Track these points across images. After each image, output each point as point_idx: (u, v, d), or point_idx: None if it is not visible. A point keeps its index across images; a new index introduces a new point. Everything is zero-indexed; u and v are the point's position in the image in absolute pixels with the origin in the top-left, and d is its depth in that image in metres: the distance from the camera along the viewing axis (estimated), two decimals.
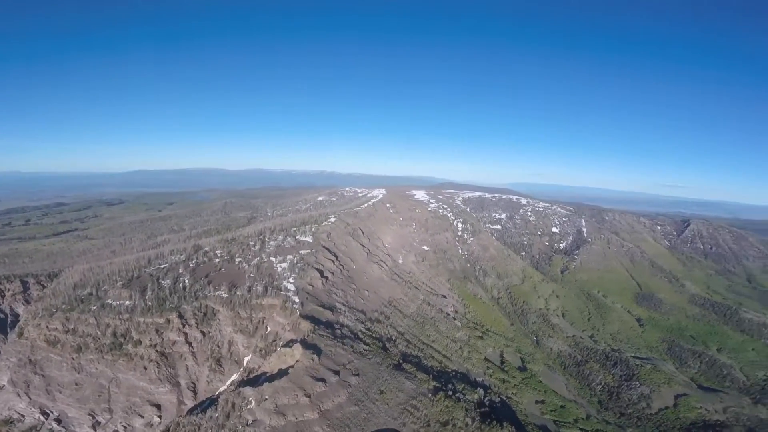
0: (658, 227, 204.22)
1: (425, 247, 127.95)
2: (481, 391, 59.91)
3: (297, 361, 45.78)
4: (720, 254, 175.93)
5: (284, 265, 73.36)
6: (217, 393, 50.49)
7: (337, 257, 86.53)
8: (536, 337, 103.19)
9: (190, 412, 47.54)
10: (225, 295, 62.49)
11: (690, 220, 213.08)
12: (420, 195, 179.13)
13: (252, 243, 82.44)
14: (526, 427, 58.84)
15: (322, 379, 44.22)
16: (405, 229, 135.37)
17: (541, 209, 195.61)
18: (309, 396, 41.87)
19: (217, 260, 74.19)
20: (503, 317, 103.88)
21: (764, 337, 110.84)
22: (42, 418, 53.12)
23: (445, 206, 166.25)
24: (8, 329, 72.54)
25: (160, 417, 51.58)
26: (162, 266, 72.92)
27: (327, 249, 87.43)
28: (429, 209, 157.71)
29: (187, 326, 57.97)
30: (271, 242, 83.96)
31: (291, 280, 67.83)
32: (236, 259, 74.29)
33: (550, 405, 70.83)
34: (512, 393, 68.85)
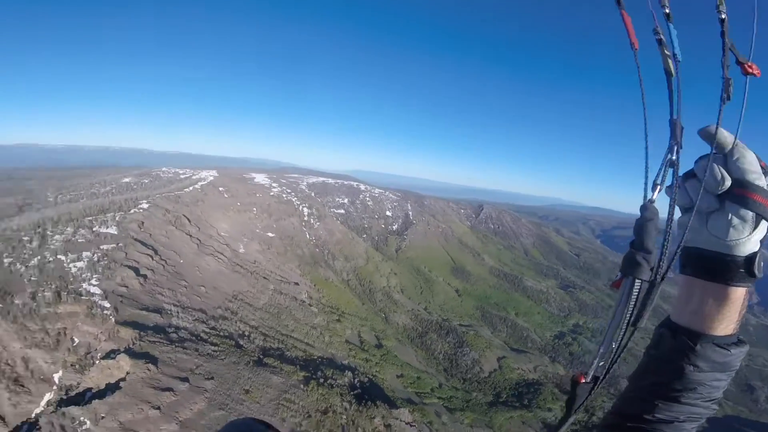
0: (462, 211, 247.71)
1: (270, 234, 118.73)
2: (349, 374, 59.35)
3: (127, 373, 34.87)
4: (504, 232, 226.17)
5: (80, 264, 54.29)
6: (34, 416, 34.74)
7: (156, 251, 70.16)
8: (384, 314, 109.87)
9: None
10: None
11: (483, 204, 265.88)
12: (261, 178, 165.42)
13: (27, 238, 58.31)
14: (396, 402, 61.17)
15: (169, 389, 35.20)
16: (244, 215, 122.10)
17: (377, 195, 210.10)
18: (158, 408, 32.61)
19: None
20: (355, 298, 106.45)
21: (543, 302, 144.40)
22: None
23: (289, 191, 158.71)
24: None
25: None
26: None
27: (140, 242, 69.92)
28: (272, 194, 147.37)
29: None
30: (57, 236, 61.15)
31: (93, 281, 50.69)
32: (4, 260, 51.05)
33: (408, 378, 76.08)
34: (376, 371, 70.81)
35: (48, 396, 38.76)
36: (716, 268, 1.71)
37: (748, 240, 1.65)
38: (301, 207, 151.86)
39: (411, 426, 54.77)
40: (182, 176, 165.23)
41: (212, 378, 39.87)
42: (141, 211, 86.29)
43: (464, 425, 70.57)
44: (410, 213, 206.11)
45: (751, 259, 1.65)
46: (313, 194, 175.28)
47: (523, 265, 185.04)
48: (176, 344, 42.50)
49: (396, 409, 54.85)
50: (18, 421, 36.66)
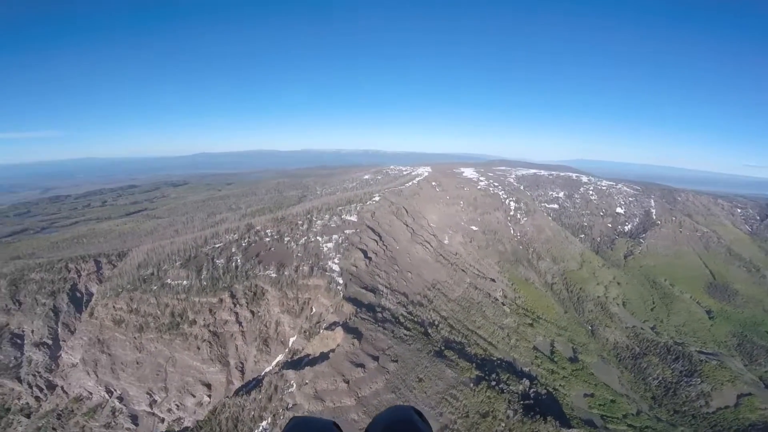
0: (739, 210, 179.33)
1: (474, 227, 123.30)
2: (526, 382, 57.11)
3: (338, 345, 46.04)
4: None
5: (330, 245, 74.18)
6: (263, 373, 52.59)
7: (380, 237, 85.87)
8: (591, 326, 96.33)
9: (237, 392, 50.14)
10: (273, 275, 64.54)
11: None
12: (468, 172, 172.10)
13: (300, 222, 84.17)
14: (571, 422, 55.38)
15: (362, 365, 44.15)
16: (452, 207, 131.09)
17: (604, 188, 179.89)
18: (347, 382, 42.07)
19: (268, 239, 76.87)
20: (556, 304, 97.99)
21: None
22: (107, 396, 58.76)
23: (496, 184, 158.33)
24: (83, 308, 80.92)
25: (209, 396, 55.15)
26: (217, 245, 77.00)
27: (371, 228, 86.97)
28: (478, 187, 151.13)
29: (238, 306, 60.81)
30: (318, 221, 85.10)
31: (336, 260, 68.42)
32: (285, 239, 76.42)
33: (599, 399, 66.28)
34: (560, 385, 65.13)
35: (279, 357, 54.31)
36: None
37: None
38: (507, 201, 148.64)
39: None
40: (404, 173, 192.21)
41: (396, 361, 46.59)
42: (374, 202, 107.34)
43: None
44: (653, 210, 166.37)
45: None
46: (522, 187, 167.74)
47: None
48: (379, 323, 51.99)
49: (567, 429, 49.00)
50: (251, 376, 53.55)
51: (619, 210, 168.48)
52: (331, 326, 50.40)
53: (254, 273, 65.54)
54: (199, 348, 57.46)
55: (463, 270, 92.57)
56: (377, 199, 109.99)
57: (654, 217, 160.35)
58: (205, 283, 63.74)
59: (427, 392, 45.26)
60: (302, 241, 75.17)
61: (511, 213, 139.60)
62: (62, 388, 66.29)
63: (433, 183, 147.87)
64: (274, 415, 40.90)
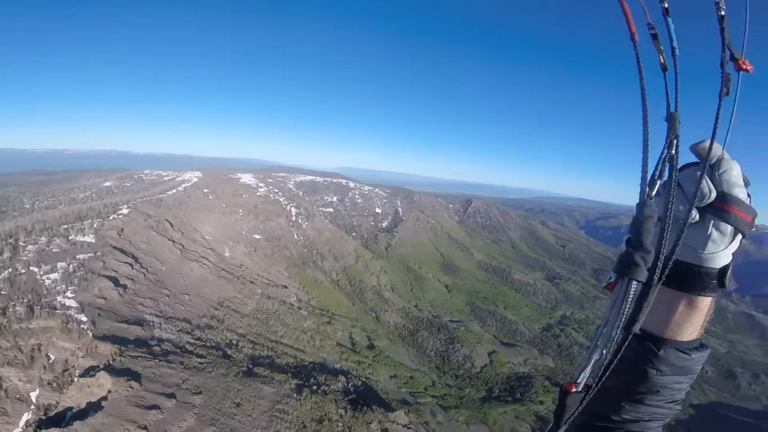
0: (450, 206, 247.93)
1: (257, 236, 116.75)
2: (343, 378, 58.34)
3: (109, 392, 32.89)
4: (492, 226, 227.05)
5: (54, 276, 51.80)
6: None
7: (136, 259, 67.86)
8: (375, 313, 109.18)
9: None
10: None
11: (471, 199, 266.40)
12: (247, 178, 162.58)
13: None
14: (391, 404, 60.51)
15: (155, 406, 33.41)
16: (230, 217, 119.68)
17: (366, 192, 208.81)
18: (145, 427, 30.76)
19: None
20: (345, 298, 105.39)
21: (530, 295, 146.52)
22: None
23: (276, 190, 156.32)
24: None
25: None
26: None
27: (120, 250, 67.53)
28: (258, 194, 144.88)
29: None
30: (29, 246, 58.37)
31: (69, 294, 48.42)
32: None
33: (401, 378, 75.55)
34: (369, 373, 70.06)
35: (26, 416, 36.77)
36: (689, 278, 1.75)
37: (723, 253, 1.70)
38: (288, 207, 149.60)
39: (407, 428, 54.13)
40: (165, 178, 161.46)
41: (200, 392, 38.20)
42: (120, 217, 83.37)
43: (459, 423, 70.57)
44: (400, 209, 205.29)
45: (723, 271, 1.72)
46: (301, 193, 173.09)
47: (511, 258, 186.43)
48: (160, 358, 40.71)
49: (392, 412, 54.14)
50: None
51: (378, 210, 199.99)
52: (88, 372, 35.80)
53: None
54: None
55: (252, 282, 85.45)
56: (126, 211, 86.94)
57: (401, 214, 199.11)
58: None
59: (252, 415, 38.98)
60: (4, 274, 49.53)
61: (293, 218, 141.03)
62: None
63: (206, 190, 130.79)
64: None
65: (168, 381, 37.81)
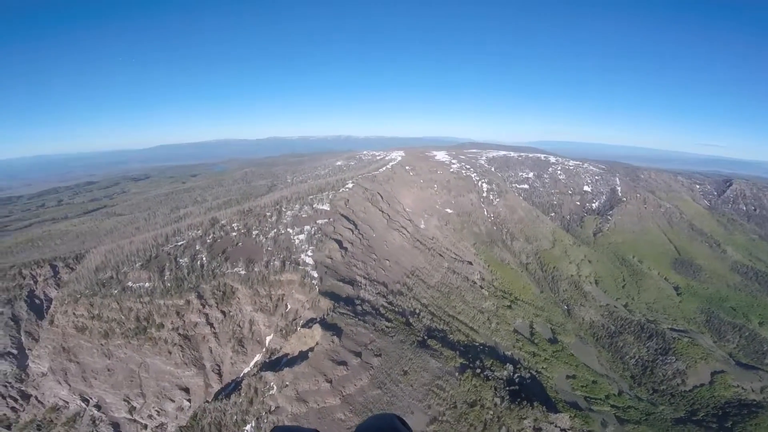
0: (697, 186, 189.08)
1: (448, 210, 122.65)
2: (510, 367, 57.03)
3: (317, 344, 43.36)
4: (764, 217, 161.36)
5: (302, 236, 70.34)
6: (242, 375, 49.67)
7: (356, 225, 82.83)
8: (567, 305, 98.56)
9: (216, 395, 46.94)
10: (243, 272, 60.46)
11: (731, 179, 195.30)
12: (441, 155, 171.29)
13: (269, 214, 79.46)
14: (557, 405, 56.09)
15: (344, 362, 41.84)
16: (426, 191, 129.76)
17: (571, 167, 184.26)
18: (330, 381, 39.72)
19: (234, 234, 72.02)
20: (532, 284, 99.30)
21: None
22: (83, 404, 54.03)
23: (468, 166, 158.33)
24: (44, 314, 73.99)
25: (189, 401, 51.55)
26: (179, 243, 71.48)
27: (345, 217, 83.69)
28: (451, 170, 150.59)
29: (207, 307, 56.68)
30: (288, 212, 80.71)
31: (309, 253, 64.91)
32: (253, 232, 71.79)
33: (581, 380, 67.63)
34: (542, 367, 65.79)
35: (257, 357, 51.60)
36: None
37: None
38: (480, 183, 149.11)
39: None
40: (378, 158, 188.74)
41: (380, 355, 44.68)
42: (347, 190, 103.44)
43: None
44: (618, 188, 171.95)
45: None
46: (493, 169, 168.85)
47: None
48: (359, 317, 49.62)
49: (554, 413, 49.16)
50: (229, 378, 50.95)
51: (586, 188, 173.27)
52: (308, 324, 47.61)
53: (222, 271, 61.11)
54: (170, 352, 53.48)
55: (440, 254, 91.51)
56: (350, 185, 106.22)
57: (620, 194, 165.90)
58: (169, 284, 58.90)
59: (413, 385, 43.85)
60: (272, 234, 70.79)
61: (484, 194, 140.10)
62: (36, 398, 61.31)
63: (407, 167, 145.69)
64: (257, 419, 38.38)
65: (360, 340, 45.66)
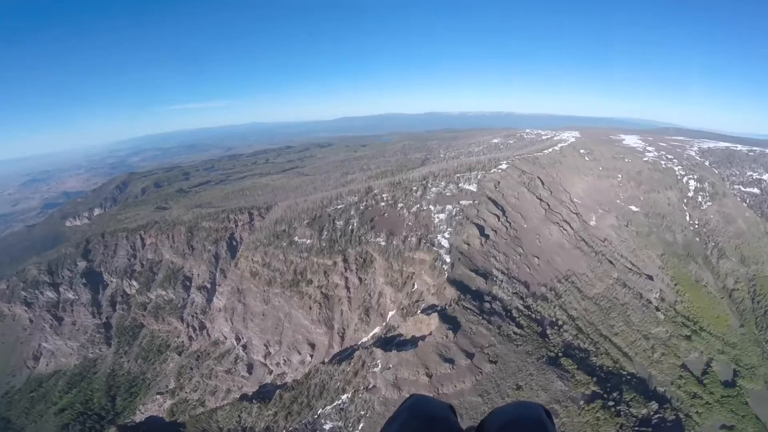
0: None
1: (633, 208, 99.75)
2: (654, 406, 43.93)
3: (431, 333, 41.77)
4: None
5: (442, 216, 68.45)
6: (359, 344, 52.57)
7: (503, 212, 75.42)
8: None
9: (333, 358, 51.01)
10: (383, 243, 63.21)
11: None
12: (631, 140, 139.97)
13: (414, 188, 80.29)
14: None
15: (451, 360, 39.28)
16: (605, 181, 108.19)
17: None
18: (430, 376, 38.16)
19: (383, 204, 75.66)
20: (732, 315, 73.53)
21: None
22: (235, 343, 67.06)
23: (669, 156, 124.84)
24: (237, 255, 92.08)
25: (311, 356, 58.13)
26: (339, 207, 79.49)
27: (492, 201, 76.99)
28: (645, 159, 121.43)
29: (348, 270, 61.77)
30: (433, 188, 79.67)
31: (446, 234, 62.73)
32: (398, 205, 74.04)
33: None
34: (696, 411, 48.80)
35: (376, 329, 52.25)
36: None
37: None
38: (685, 178, 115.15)
39: None
40: (544, 137, 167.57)
41: (495, 362, 39.52)
42: (499, 171, 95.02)
43: None
44: None
45: None
46: (707, 163, 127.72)
47: None
48: (484, 315, 44.97)
49: None
50: (348, 344, 52.32)
51: None
52: (427, 310, 46.35)
53: (366, 239, 65.22)
54: (311, 308, 61.11)
55: (610, 261, 75.63)
56: (504, 166, 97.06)
57: None
58: (324, 244, 66.39)
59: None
60: (414, 208, 71.24)
61: (690, 194, 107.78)
62: (208, 331, 78.85)
63: (582, 151, 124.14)
64: (355, 391, 40.18)
65: (477, 341, 41.18)
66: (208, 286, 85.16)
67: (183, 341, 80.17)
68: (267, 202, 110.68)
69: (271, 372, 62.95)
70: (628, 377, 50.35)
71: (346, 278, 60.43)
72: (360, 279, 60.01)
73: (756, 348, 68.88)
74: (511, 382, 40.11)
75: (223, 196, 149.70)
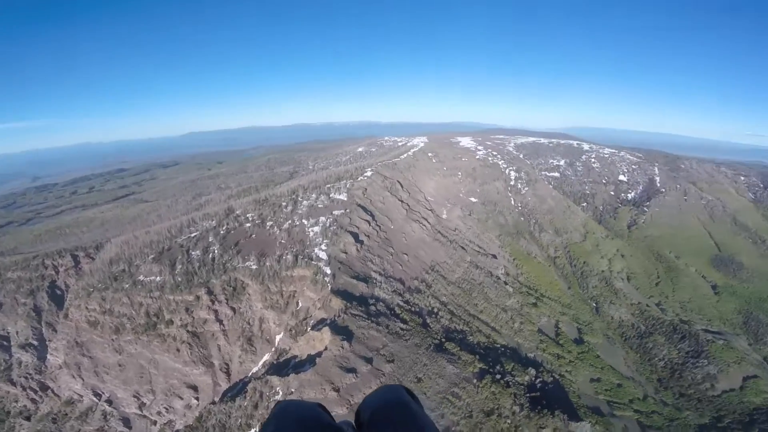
0: (742, 178, 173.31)
1: (473, 199, 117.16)
2: (532, 371, 53.29)
3: (326, 348, 40.82)
4: None
5: (316, 228, 67.60)
6: (250, 375, 48.14)
7: (373, 216, 79.27)
8: (596, 303, 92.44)
9: (223, 396, 45.58)
10: (254, 267, 58.57)
11: None
12: (466, 141, 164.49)
13: (284, 203, 77.09)
14: (579, 411, 52.19)
15: (353, 369, 39.09)
16: (449, 179, 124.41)
17: (606, 155, 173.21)
18: (338, 390, 37.21)
19: (248, 225, 70.25)
20: (560, 280, 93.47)
21: None
22: (95, 399, 54.32)
23: (494, 153, 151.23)
24: (65, 305, 74.96)
25: (197, 399, 50.74)
26: (193, 235, 70.50)
27: (362, 207, 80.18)
28: (477, 157, 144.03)
29: (216, 303, 55.37)
30: (304, 202, 78.08)
31: (323, 246, 62.12)
32: (267, 223, 69.71)
33: (605, 383, 63.41)
34: (566, 371, 61.57)
35: (266, 357, 49.80)
36: None
37: None
38: (507, 170, 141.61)
39: None
40: (399, 144, 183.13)
41: (392, 360, 41.65)
42: (365, 178, 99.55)
43: None
44: (657, 178, 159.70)
45: None
46: (521, 156, 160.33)
47: None
48: (372, 319, 46.52)
49: (575, 422, 45.79)
50: (238, 377, 49.32)
51: (622, 177, 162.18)
52: (318, 325, 45.12)
53: (233, 265, 59.46)
54: (178, 350, 52.59)
55: (462, 247, 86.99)
56: (369, 173, 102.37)
57: (658, 185, 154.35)
58: (179, 279, 57.84)
59: (426, 393, 40.88)
60: (286, 225, 68.43)
61: (512, 183, 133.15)
62: (53, 390, 62.90)
63: (430, 154, 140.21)
64: (261, 423, 36.37)
65: (372, 344, 42.71)
66: (35, 343, 66.59)
67: (25, 405, 61.78)
68: (96, 240, 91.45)
69: (155, 422, 52.03)
70: (502, 349, 58.03)
71: (216, 311, 53.92)
72: (233, 309, 54.28)
73: (585, 306, 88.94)
74: (411, 375, 42.07)
75: (34, 239, 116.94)
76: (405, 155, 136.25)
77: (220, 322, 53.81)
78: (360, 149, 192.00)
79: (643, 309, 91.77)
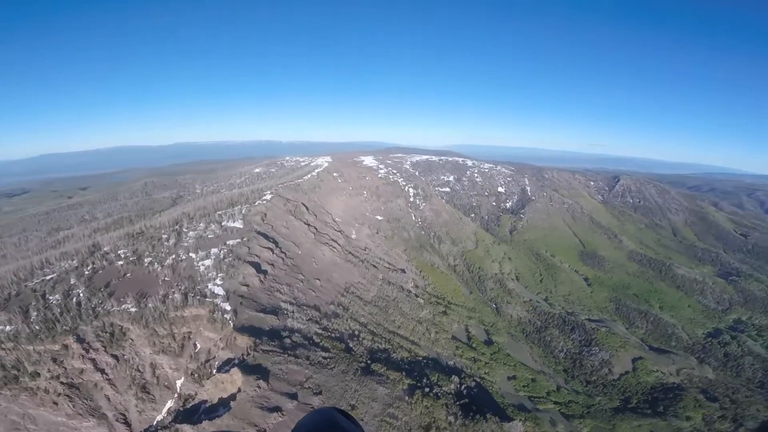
0: (592, 183, 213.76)
1: (379, 217, 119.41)
2: (456, 379, 55.18)
3: (239, 390, 35.75)
4: (647, 208, 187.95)
5: (208, 262, 59.90)
6: (155, 423, 39.99)
7: (276, 243, 74.09)
8: (495, 304, 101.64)
9: None
10: (134, 309, 48.90)
11: (618, 175, 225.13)
12: (369, 161, 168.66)
13: (165, 236, 66.85)
14: (506, 410, 55.69)
15: (276, 408, 34.94)
16: (355, 199, 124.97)
17: (486, 170, 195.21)
18: (264, 431, 32.65)
19: (121, 263, 58.73)
20: (462, 286, 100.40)
21: (696, 294, 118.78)
22: None
23: (394, 171, 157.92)
24: None
25: None
26: (48, 277, 56.29)
27: (263, 235, 74.42)
28: (379, 175, 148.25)
29: (92, 351, 44.78)
30: (190, 233, 68.91)
31: (218, 281, 55.18)
32: (145, 260, 59.26)
33: (521, 380, 69.05)
34: (485, 372, 65.52)
35: (169, 403, 42.94)
36: None
37: None
38: (407, 187, 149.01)
39: None
40: (302, 164, 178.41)
41: (320, 392, 38.78)
42: (264, 202, 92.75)
43: None
44: (528, 188, 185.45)
45: None
46: (417, 173, 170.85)
47: (672, 248, 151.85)
48: (289, 352, 42.69)
49: (507, 422, 49.12)
50: (141, 427, 41.90)
51: (500, 189, 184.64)
52: (224, 367, 39.45)
53: (106, 309, 48.80)
54: (56, 403, 41.23)
55: (374, 265, 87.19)
56: (269, 197, 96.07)
57: (529, 193, 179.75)
58: (37, 327, 45.60)
59: (364, 419, 39.00)
60: (169, 260, 59.14)
61: (411, 199, 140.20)
62: None
63: (335, 174, 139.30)
64: None
65: (293, 379, 39.26)
66: None
67: None
68: None
69: None
70: (425, 361, 58.75)
71: (93, 360, 43.28)
72: (115, 357, 44.13)
73: (487, 308, 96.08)
74: (344, 404, 39.82)
75: None
76: (309, 176, 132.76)
77: (102, 371, 43.49)
78: (257, 170, 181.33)
79: (535, 305, 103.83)
